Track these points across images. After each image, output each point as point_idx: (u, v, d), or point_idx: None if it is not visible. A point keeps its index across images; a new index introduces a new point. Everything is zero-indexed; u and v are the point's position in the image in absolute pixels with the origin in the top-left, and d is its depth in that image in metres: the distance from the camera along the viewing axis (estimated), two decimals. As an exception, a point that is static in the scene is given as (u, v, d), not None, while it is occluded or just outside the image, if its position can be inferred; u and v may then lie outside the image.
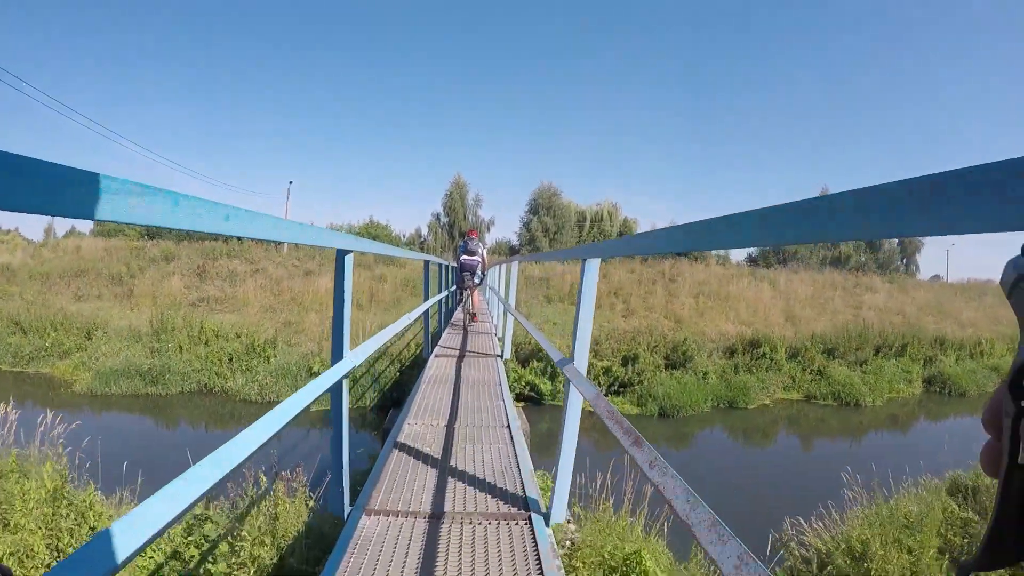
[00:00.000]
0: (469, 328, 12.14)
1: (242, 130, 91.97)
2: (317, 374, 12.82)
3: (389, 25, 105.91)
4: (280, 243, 29.52)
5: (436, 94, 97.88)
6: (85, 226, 37.49)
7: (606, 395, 10.79)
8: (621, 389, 16.51)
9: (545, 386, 15.52)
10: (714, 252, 44.35)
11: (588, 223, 47.30)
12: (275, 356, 17.06)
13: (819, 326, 22.14)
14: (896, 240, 54.59)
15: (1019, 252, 0.40)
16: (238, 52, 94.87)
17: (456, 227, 46.26)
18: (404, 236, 45.76)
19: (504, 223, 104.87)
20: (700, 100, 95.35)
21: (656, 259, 31.96)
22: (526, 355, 16.20)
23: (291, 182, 40.19)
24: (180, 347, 17.23)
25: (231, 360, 16.83)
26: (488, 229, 48.03)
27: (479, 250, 11.83)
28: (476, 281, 11.87)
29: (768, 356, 18.67)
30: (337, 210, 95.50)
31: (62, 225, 40.75)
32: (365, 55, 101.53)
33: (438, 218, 47.89)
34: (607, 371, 16.56)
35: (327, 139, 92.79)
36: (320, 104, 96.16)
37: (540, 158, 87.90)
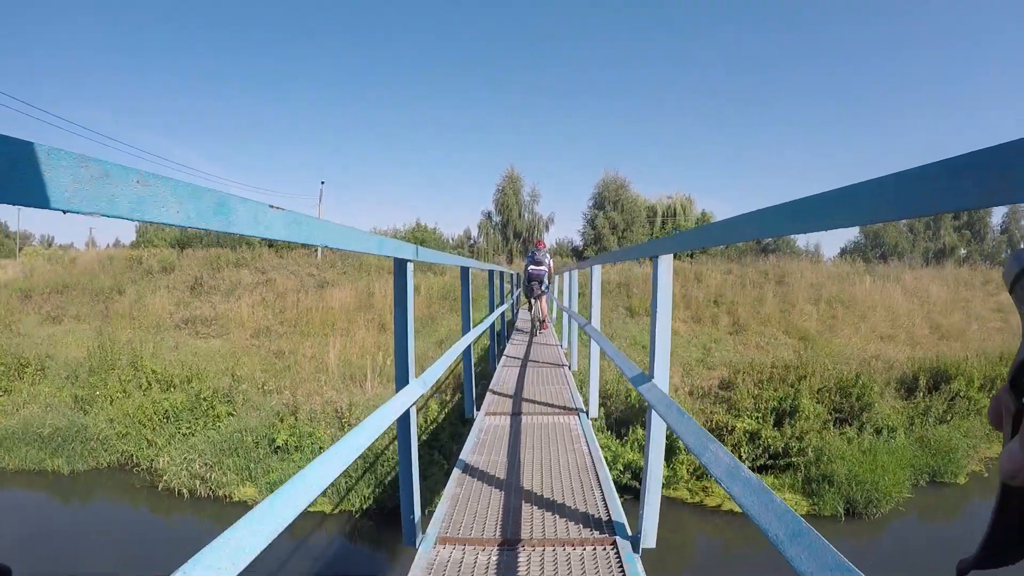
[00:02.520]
0: (536, 335, 13.50)
1: (273, 131, 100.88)
2: (285, 449, 12.72)
3: (426, 14, 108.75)
4: (323, 249, 28.90)
5: (483, 82, 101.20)
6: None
7: (751, 468, 10.15)
8: (773, 463, 12.79)
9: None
10: (803, 245, 43.66)
11: (659, 217, 46.42)
12: (233, 413, 14.12)
13: (974, 339, 19.54)
14: (1000, 226, 56.49)
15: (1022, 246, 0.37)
16: (265, 50, 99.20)
17: (510, 226, 45.53)
18: (451, 240, 45.46)
19: (565, 220, 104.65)
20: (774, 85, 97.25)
21: (753, 257, 30.26)
22: (622, 412, 13.63)
23: (323, 182, 42.48)
24: (110, 397, 14.78)
25: (167, 419, 13.89)
26: (547, 227, 47.21)
27: (546, 260, 13.26)
28: (543, 289, 13.43)
29: (964, 395, 14.84)
30: (376, 212, 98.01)
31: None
32: (403, 46, 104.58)
33: (489, 217, 47.30)
34: (754, 437, 12.86)
35: (363, 137, 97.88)
36: (356, 100, 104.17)
37: (601, 149, 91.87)
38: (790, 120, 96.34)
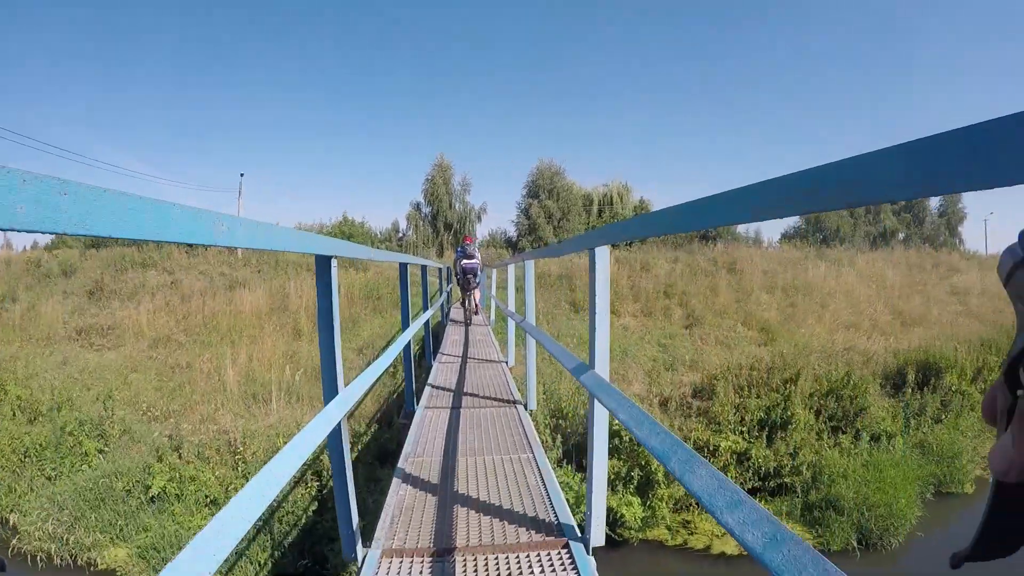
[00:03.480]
0: (470, 324, 14.95)
1: (187, 121, 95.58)
2: (164, 497, 10.56)
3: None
4: (240, 249, 27.66)
5: (409, 70, 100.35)
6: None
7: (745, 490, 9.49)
8: (763, 484, 11.70)
9: (630, 510, 10.52)
10: (743, 231, 44.60)
11: (596, 206, 46.82)
12: (105, 450, 12.12)
13: (937, 324, 19.86)
14: (937, 210, 59.39)
15: (1016, 240, 0.46)
16: (184, 36, 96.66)
17: (441, 217, 45.27)
18: (379, 233, 45.01)
19: (498, 211, 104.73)
20: (708, 72, 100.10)
21: (703, 244, 30.47)
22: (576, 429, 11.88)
23: (242, 175, 41.89)
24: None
25: (28, 459, 11.92)
26: (479, 218, 47.18)
27: (477, 254, 14.90)
28: (477, 282, 15.05)
29: (957, 389, 14.33)
30: (301, 207, 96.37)
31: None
32: (322, 29, 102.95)
33: (418, 208, 46.89)
34: (742, 457, 11.66)
35: (284, 128, 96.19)
36: (274, 89, 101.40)
37: (533, 139, 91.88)
38: (729, 109, 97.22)
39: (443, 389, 7.79)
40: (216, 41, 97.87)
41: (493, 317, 15.66)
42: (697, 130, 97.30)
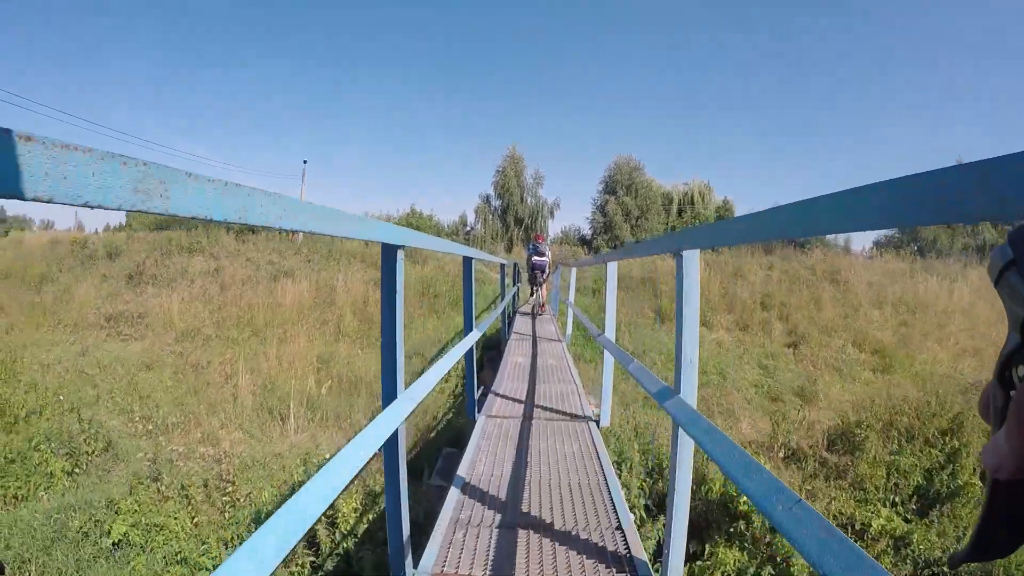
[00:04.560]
0: (537, 315, 16.31)
1: (254, 109, 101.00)
2: (127, 543, 7.73)
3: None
4: (300, 233, 27.09)
5: (484, 62, 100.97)
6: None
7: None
8: None
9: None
10: (833, 240, 42.53)
11: (676, 205, 45.39)
12: (77, 471, 10.09)
13: None
14: None
15: (1005, 241, 0.49)
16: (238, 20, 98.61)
17: (511, 211, 44.12)
18: (447, 226, 44.72)
19: (571, 208, 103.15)
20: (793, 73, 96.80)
21: (796, 252, 28.82)
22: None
23: (305, 161, 40.51)
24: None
25: None
26: (552, 214, 45.73)
27: (547, 251, 16.04)
28: (544, 278, 16.33)
29: None
30: (367, 197, 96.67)
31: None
32: (396, 21, 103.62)
33: (488, 201, 45.83)
34: (901, 543, 8.00)
35: (351, 116, 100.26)
36: (342, 75, 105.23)
37: (609, 135, 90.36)
38: (809, 115, 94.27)
39: (507, 398, 7.22)
40: (282, 26, 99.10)
41: (570, 329, 14.45)
42: (783, 133, 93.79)
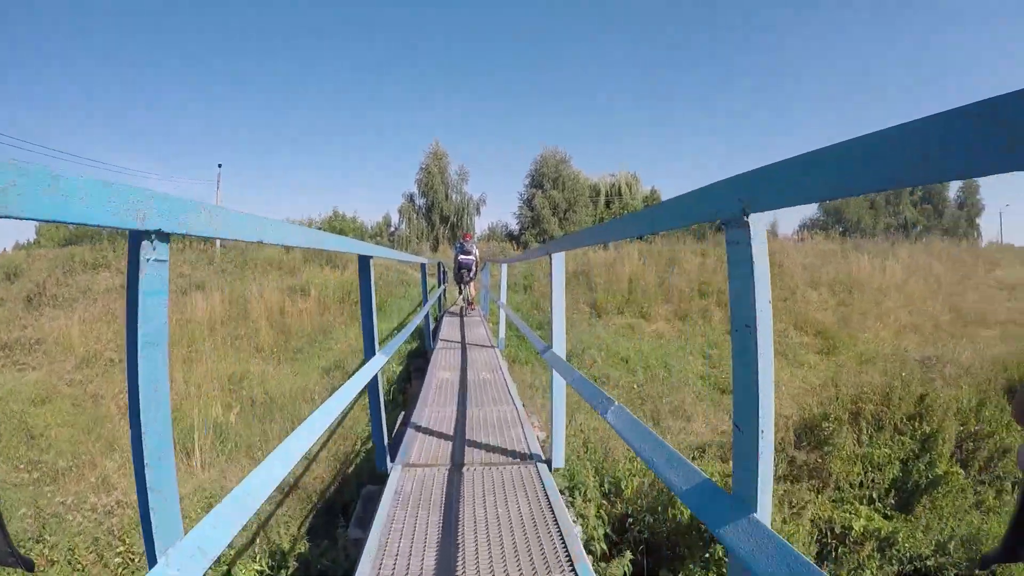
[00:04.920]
0: (466, 315, 15.70)
1: (164, 110, 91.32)
2: None
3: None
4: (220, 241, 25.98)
5: (399, 57, 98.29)
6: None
7: None
8: None
9: None
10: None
11: (603, 197, 45.03)
12: None
13: (993, 325, 17.94)
14: (956, 201, 58.29)
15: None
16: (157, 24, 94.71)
17: (436, 209, 42.88)
18: (371, 227, 43.76)
19: (498, 204, 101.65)
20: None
21: (718, 243, 28.26)
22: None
23: (220, 165, 41.16)
24: None
25: None
26: (478, 210, 44.82)
27: (473, 250, 15.92)
28: (471, 276, 16.08)
29: None
30: (285, 200, 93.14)
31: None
32: (303, 16, 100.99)
33: (412, 199, 44.53)
34: (885, 543, 7.15)
35: (267, 119, 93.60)
36: (255, 78, 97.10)
37: (534, 129, 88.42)
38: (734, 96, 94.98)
39: (431, 434, 5.64)
40: (190, 28, 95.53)
41: (503, 332, 13.14)
42: (705, 119, 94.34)
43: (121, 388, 13.33)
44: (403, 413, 6.96)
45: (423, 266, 11.66)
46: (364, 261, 4.23)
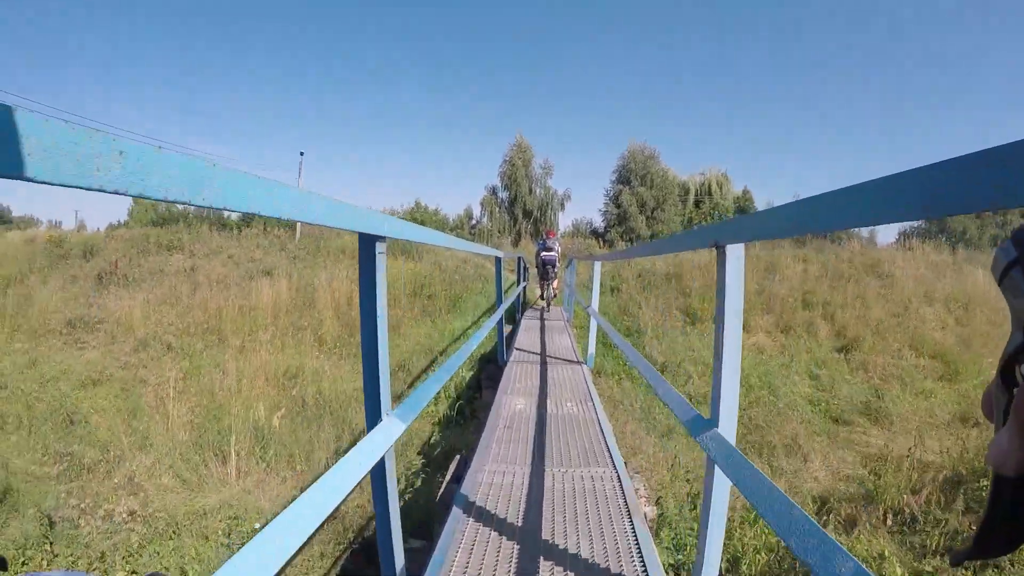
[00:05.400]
0: (548, 311, 15.41)
1: (252, 104, 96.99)
2: None
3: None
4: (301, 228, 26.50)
5: (487, 46, 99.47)
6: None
7: None
8: None
9: None
10: (858, 236, 39.98)
11: (692, 196, 43.11)
12: None
13: None
14: None
15: (1008, 239, 0.47)
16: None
17: (518, 203, 41.47)
18: (452, 220, 42.98)
19: (583, 200, 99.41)
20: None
21: (831, 244, 25.96)
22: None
23: (302, 153, 38.38)
24: None
25: None
26: (562, 205, 43.28)
27: (555, 247, 15.60)
28: (555, 272, 15.72)
29: None
30: (368, 190, 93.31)
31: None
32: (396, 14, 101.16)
33: (495, 192, 43.24)
34: None
35: (352, 109, 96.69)
36: (344, 70, 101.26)
37: (620, 125, 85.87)
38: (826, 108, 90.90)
39: (486, 516, 3.94)
40: (282, 19, 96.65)
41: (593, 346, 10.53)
42: (799, 124, 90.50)
43: (161, 378, 12.30)
44: (457, 460, 5.20)
45: (498, 260, 9.63)
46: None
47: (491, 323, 5.66)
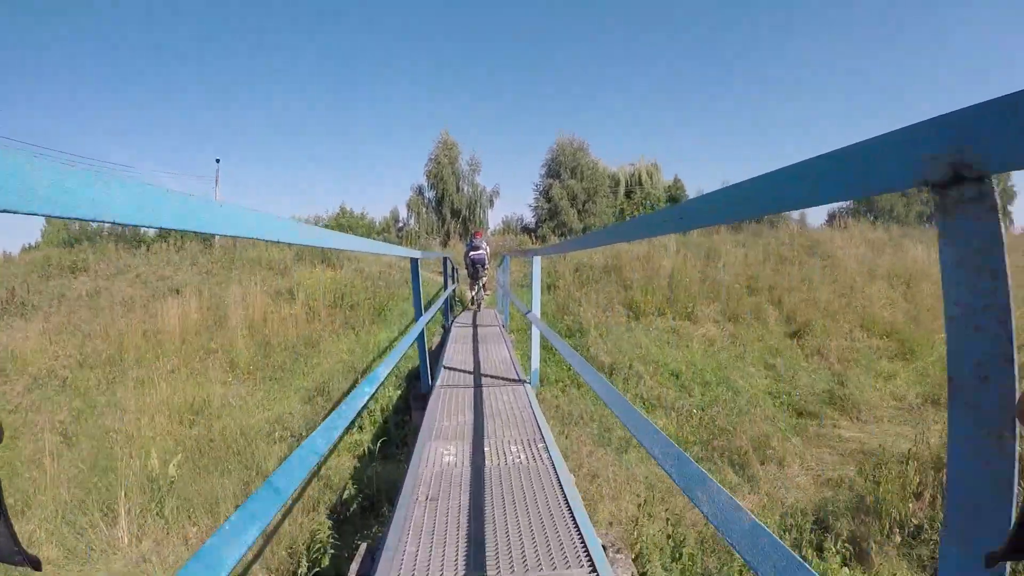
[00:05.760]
0: (479, 322, 13.48)
1: (160, 105, 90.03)
2: None
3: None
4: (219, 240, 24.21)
5: (410, 46, 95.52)
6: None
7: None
8: None
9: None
10: (789, 218, 39.85)
11: (623, 187, 42.48)
12: None
13: None
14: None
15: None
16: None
17: (447, 202, 40.00)
18: (378, 223, 41.19)
19: (511, 196, 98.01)
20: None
21: (766, 228, 25.32)
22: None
23: (218, 160, 39.56)
24: None
25: None
26: (491, 202, 41.96)
27: (483, 246, 15.18)
28: (485, 271, 15.34)
29: None
30: (288, 196, 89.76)
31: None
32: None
33: (421, 192, 41.61)
34: None
35: (267, 113, 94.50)
36: (255, 70, 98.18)
37: (547, 118, 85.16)
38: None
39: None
40: (185, 21, 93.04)
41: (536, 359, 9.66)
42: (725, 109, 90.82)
43: (29, 425, 10.64)
44: (362, 553, 3.75)
45: (414, 263, 7.42)
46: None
47: (407, 341, 4.24)
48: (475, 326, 12.47)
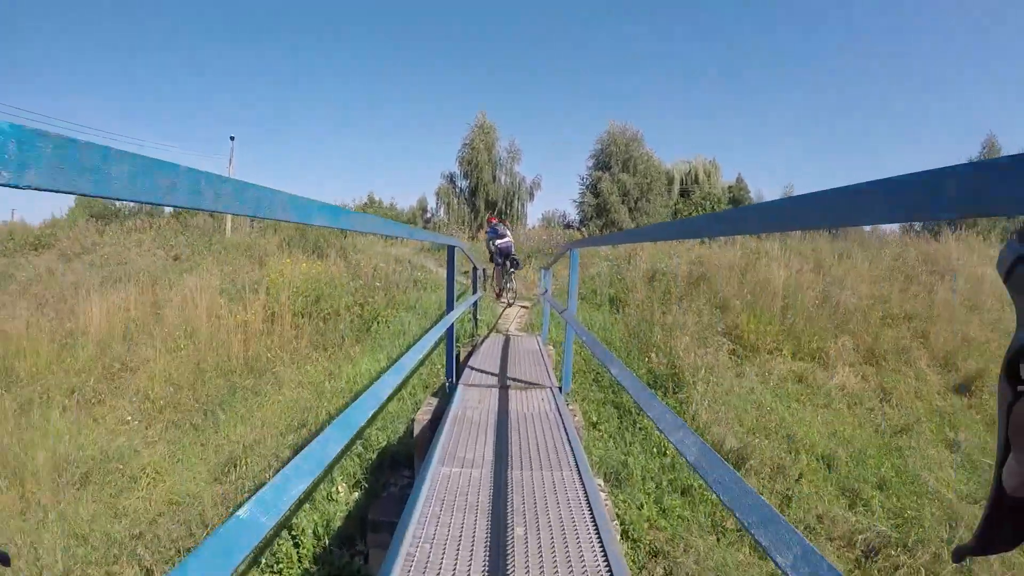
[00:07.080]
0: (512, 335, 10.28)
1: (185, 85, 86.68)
2: None
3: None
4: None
5: (445, 25, 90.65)
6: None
7: None
8: None
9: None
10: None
11: (677, 185, 38.58)
12: None
13: None
14: None
15: (1015, 234, 0.48)
16: None
17: (480, 192, 35.77)
18: (405, 213, 38.41)
19: (554, 190, 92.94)
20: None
21: (863, 244, 20.68)
22: None
23: (232, 137, 35.19)
24: None
25: None
26: (531, 195, 37.58)
27: (508, 233, 13.16)
28: (518, 266, 13.18)
29: None
30: (313, 178, 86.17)
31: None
32: None
33: (452, 180, 37.37)
34: None
35: (297, 91, 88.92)
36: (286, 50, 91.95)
37: (595, 109, 78.77)
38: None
39: None
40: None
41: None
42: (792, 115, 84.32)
43: None
44: None
45: (451, 250, 5.83)
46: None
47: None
48: (504, 351, 8.06)
